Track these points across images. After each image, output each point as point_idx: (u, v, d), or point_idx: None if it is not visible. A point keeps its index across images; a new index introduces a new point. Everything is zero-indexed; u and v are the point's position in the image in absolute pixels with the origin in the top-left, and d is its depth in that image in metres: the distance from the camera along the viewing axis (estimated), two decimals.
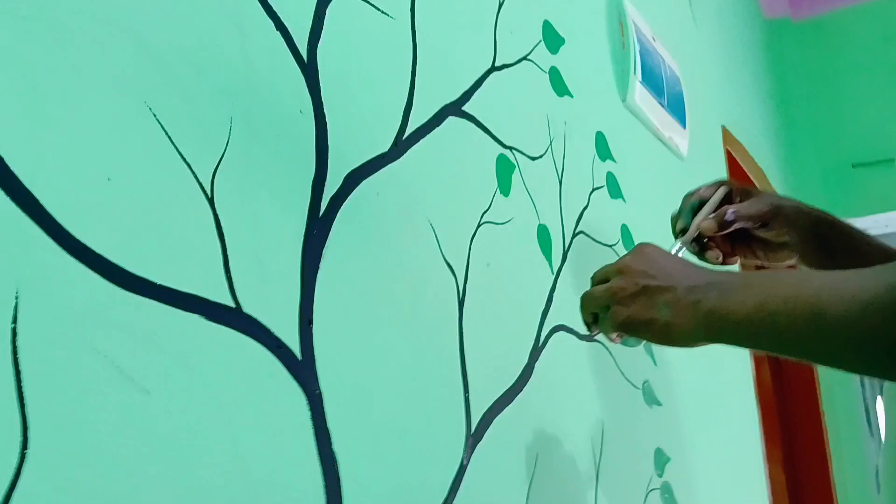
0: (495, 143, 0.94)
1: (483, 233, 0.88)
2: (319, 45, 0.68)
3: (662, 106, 1.52)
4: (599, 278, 0.68)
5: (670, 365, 1.36)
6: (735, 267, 0.91)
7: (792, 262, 0.83)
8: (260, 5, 0.63)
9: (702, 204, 0.81)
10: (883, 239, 0.83)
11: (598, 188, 1.20)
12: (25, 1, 0.45)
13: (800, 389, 2.77)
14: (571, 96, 1.16)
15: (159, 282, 0.50)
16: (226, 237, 0.56)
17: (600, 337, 0.69)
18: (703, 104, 1.95)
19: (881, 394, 3.03)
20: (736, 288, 0.56)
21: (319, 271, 0.64)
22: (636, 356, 1.21)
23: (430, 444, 0.73)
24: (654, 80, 1.47)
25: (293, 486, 0.57)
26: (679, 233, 0.81)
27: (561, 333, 1.01)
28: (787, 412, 2.76)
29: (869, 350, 0.46)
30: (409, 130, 0.78)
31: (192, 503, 0.50)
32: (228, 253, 0.56)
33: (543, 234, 1.02)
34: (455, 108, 0.87)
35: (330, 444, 0.61)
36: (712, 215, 0.78)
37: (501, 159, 0.94)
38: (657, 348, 1.30)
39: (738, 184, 0.83)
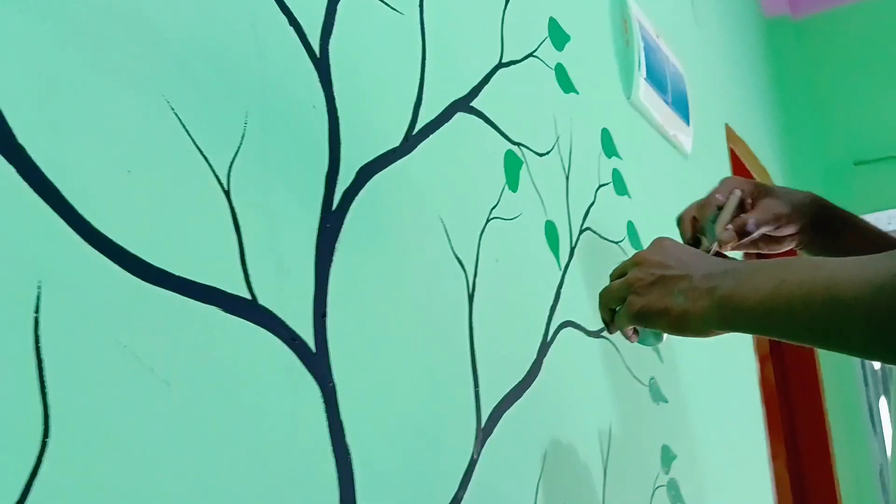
0: (503, 139, 0.94)
1: (492, 228, 0.88)
2: (331, 41, 0.69)
3: (667, 103, 1.53)
4: (618, 273, 0.69)
5: (677, 362, 1.37)
6: (738, 254, 0.92)
7: (790, 247, 0.84)
8: (273, 1, 0.63)
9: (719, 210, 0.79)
10: None
11: (604, 185, 1.20)
12: None
13: (803, 389, 2.77)
14: (577, 93, 1.16)
15: (178, 273, 0.50)
16: (242, 230, 0.56)
17: (614, 336, 0.69)
18: (707, 102, 1.96)
19: (885, 393, 3.04)
20: (751, 274, 0.57)
21: (333, 265, 0.64)
22: (643, 353, 1.22)
23: (441, 437, 0.73)
24: (658, 77, 1.48)
25: (308, 477, 0.58)
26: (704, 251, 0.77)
27: (569, 329, 1.02)
28: (790, 411, 2.76)
29: (883, 332, 0.46)
30: (418, 126, 0.79)
31: (209, 493, 0.50)
32: (244, 245, 0.56)
33: (551, 230, 1.02)
34: (463, 104, 0.87)
35: (343, 436, 0.62)
36: (730, 225, 0.76)
37: (509, 155, 0.95)
38: (664, 345, 1.30)
39: (749, 183, 0.82)
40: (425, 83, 0.81)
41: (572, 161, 1.11)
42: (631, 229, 1.28)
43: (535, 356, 0.93)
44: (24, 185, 0.43)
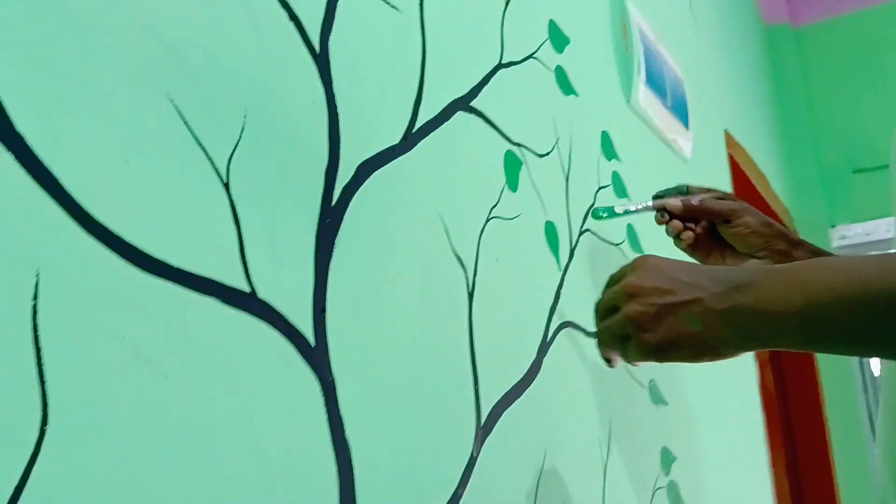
0: (503, 140, 0.95)
1: (492, 227, 0.88)
2: (331, 37, 0.69)
3: (666, 108, 1.53)
4: (606, 306, 0.63)
5: (676, 365, 1.36)
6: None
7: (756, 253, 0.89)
8: None
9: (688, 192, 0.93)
10: (884, 244, 0.89)
11: (603, 187, 1.20)
12: None
13: (803, 395, 2.77)
14: (577, 95, 1.17)
15: (177, 264, 0.50)
16: (241, 223, 0.56)
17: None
18: (706, 108, 1.96)
19: None
20: (771, 286, 0.53)
21: (332, 259, 0.64)
22: None
23: (441, 434, 0.73)
24: (657, 82, 1.48)
25: (307, 471, 0.57)
26: (652, 198, 0.94)
27: (568, 330, 1.02)
28: (790, 417, 2.75)
29: None
30: (418, 124, 0.79)
31: (208, 486, 0.50)
32: (244, 238, 0.56)
33: (551, 231, 1.02)
34: (463, 104, 0.87)
35: (343, 431, 0.61)
36: (682, 198, 0.91)
37: (509, 155, 0.95)
38: None
39: (732, 196, 0.92)
40: (425, 81, 0.81)
41: (572, 163, 1.11)
42: (631, 232, 1.28)
43: (534, 355, 0.93)
44: (23, 173, 0.43)
